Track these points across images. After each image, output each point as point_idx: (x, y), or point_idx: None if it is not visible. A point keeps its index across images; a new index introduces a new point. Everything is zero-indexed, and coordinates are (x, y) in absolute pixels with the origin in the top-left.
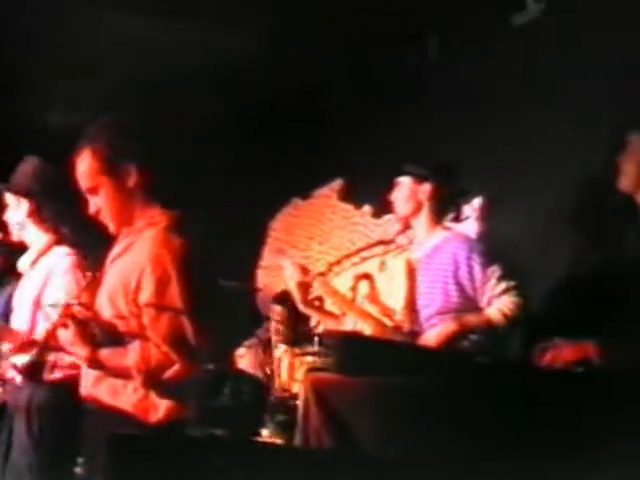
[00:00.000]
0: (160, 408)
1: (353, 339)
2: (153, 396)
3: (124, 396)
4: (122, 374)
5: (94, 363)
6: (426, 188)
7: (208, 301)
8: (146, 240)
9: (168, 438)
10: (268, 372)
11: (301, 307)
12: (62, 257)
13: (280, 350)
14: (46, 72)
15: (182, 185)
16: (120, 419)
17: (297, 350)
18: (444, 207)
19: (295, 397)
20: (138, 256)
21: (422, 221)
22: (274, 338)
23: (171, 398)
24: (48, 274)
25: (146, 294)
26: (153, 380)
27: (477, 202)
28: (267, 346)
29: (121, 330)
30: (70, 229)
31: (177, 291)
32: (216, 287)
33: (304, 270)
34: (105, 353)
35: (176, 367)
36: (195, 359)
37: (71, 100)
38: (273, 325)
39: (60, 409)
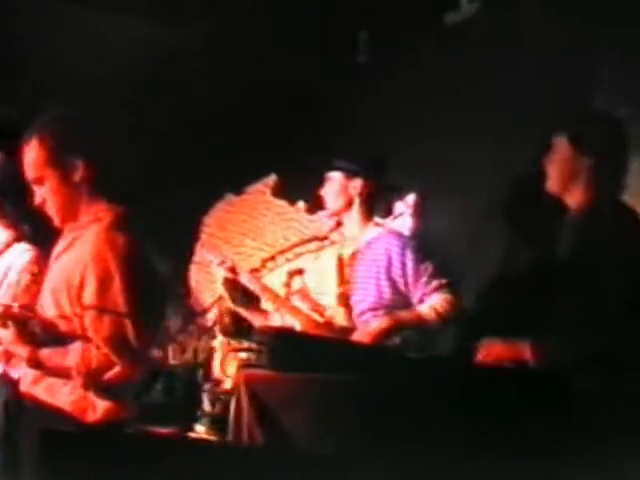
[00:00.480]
0: (98, 408)
1: (285, 335)
2: (92, 396)
3: (62, 395)
4: (62, 374)
5: (34, 363)
6: (357, 183)
7: (150, 301)
8: (89, 237)
9: (100, 435)
10: (202, 368)
11: (230, 304)
12: (21, 254)
13: (218, 343)
14: None
15: (127, 181)
16: (58, 418)
17: (232, 344)
18: (375, 203)
19: (229, 393)
20: (81, 253)
21: (353, 217)
22: (216, 329)
23: (110, 399)
24: (6, 271)
25: (88, 294)
26: (93, 381)
27: (410, 199)
28: (202, 340)
29: (63, 330)
30: (30, 226)
31: (119, 291)
32: (157, 286)
33: (232, 268)
34: (45, 353)
35: (116, 369)
36: (136, 361)
37: (25, 95)
38: (216, 315)
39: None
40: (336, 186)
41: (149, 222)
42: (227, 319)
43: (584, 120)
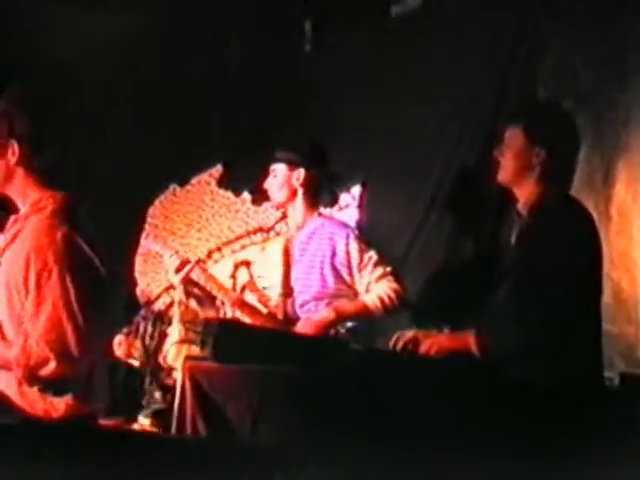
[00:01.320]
0: (57, 405)
1: (229, 327)
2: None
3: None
4: (4, 366)
5: None
6: (299, 174)
7: (91, 296)
8: (30, 228)
9: (39, 428)
10: (147, 360)
11: (181, 296)
12: None
13: (174, 330)
14: None
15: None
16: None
17: (180, 335)
18: (319, 193)
19: (173, 385)
20: (23, 247)
21: (298, 207)
22: (171, 315)
23: (56, 394)
24: None
25: (30, 288)
26: (32, 376)
27: (356, 190)
28: (155, 328)
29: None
30: None
31: (58, 286)
32: (99, 279)
33: (183, 260)
34: None
35: (51, 365)
36: (73, 359)
37: None
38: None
39: None
40: (280, 178)
41: (92, 212)
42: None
43: (537, 110)
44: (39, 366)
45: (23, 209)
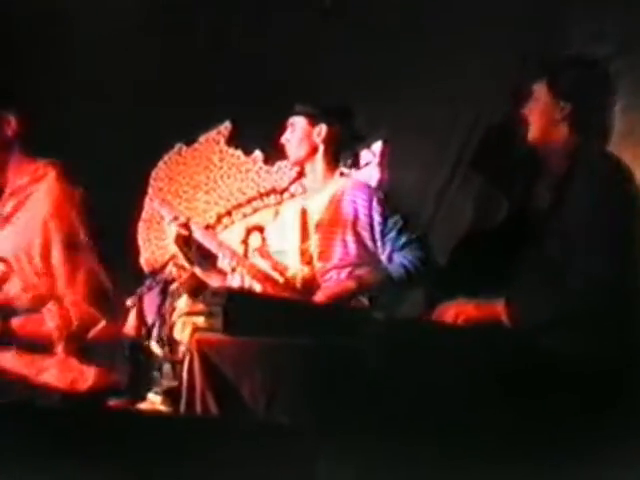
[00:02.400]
0: (88, 375)
1: (240, 297)
2: (77, 364)
3: (46, 370)
4: (41, 342)
5: (6, 335)
6: (321, 130)
7: (115, 252)
8: (41, 195)
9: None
10: (152, 333)
11: (185, 264)
12: None
13: (182, 304)
14: None
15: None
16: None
17: (186, 308)
18: (341, 151)
19: (182, 360)
20: (35, 213)
21: (317, 166)
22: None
23: (97, 363)
24: None
25: (56, 252)
26: (76, 343)
27: (377, 147)
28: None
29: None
30: None
31: (88, 244)
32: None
33: (185, 224)
34: (17, 322)
35: (101, 325)
36: (117, 314)
37: None
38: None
39: None
40: (299, 132)
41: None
42: (185, 278)
43: (560, 62)
44: (86, 328)
45: (19, 182)
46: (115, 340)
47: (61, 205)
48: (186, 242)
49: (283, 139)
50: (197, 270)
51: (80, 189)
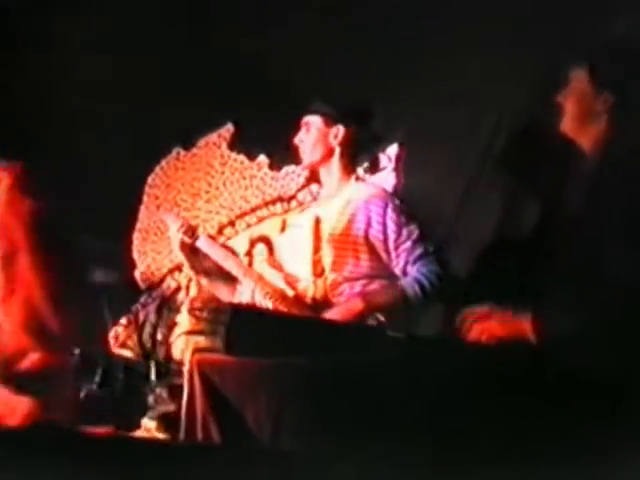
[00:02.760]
0: (18, 408)
1: (244, 314)
2: (9, 395)
3: None
4: None
5: None
6: (338, 131)
7: (68, 275)
8: None
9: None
10: (149, 354)
11: (190, 273)
12: None
13: (183, 319)
14: None
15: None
16: None
17: (187, 326)
18: (358, 154)
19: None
20: None
21: (333, 171)
22: (180, 301)
23: (30, 394)
24: None
25: None
26: (8, 372)
27: (392, 150)
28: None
29: None
30: None
31: (28, 265)
32: (77, 259)
33: (191, 228)
34: None
35: (33, 356)
36: (56, 346)
37: None
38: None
39: None
40: (314, 133)
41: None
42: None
43: (605, 48)
44: (18, 357)
45: None
46: (53, 371)
47: (3, 218)
48: (192, 250)
49: (297, 140)
50: (203, 281)
51: (29, 201)
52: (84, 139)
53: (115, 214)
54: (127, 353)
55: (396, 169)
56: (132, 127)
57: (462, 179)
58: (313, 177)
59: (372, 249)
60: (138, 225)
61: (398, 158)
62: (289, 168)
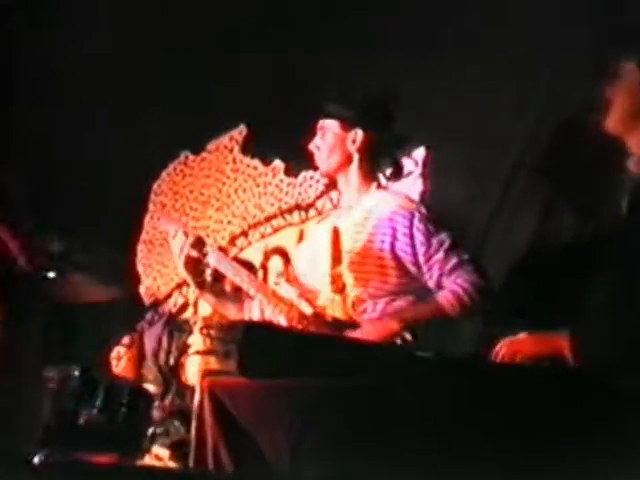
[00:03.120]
0: None
1: (259, 332)
2: None
3: None
4: None
5: None
6: (357, 135)
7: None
8: None
9: None
10: (159, 374)
11: (195, 289)
12: None
13: (191, 342)
14: None
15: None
16: None
17: (199, 347)
18: (380, 160)
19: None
20: None
21: (351, 179)
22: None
23: None
24: None
25: None
26: None
27: (418, 154)
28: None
29: None
30: None
31: None
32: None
33: (198, 241)
34: None
35: None
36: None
37: None
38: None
39: None
40: (330, 139)
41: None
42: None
43: None
44: None
45: None
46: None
47: None
48: (197, 264)
49: (312, 146)
50: (209, 298)
51: None
52: (89, 142)
53: (118, 224)
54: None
55: (423, 174)
56: (138, 130)
57: (495, 185)
58: (334, 183)
59: (400, 264)
60: (143, 236)
61: (425, 162)
62: (307, 174)
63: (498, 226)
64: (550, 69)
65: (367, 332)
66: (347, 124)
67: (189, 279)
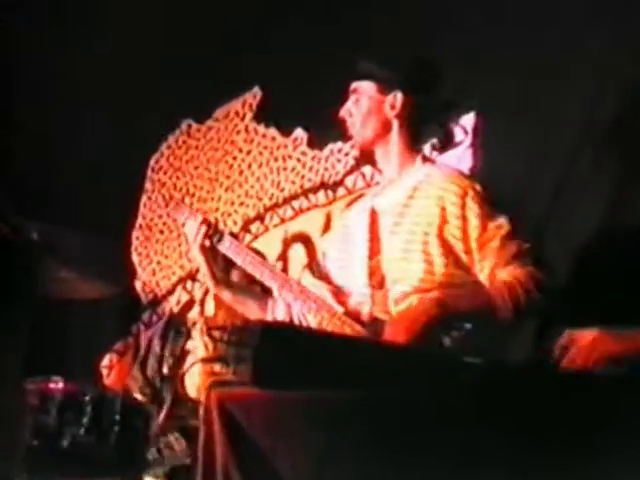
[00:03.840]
0: None
1: (278, 334)
2: None
3: None
4: None
5: None
6: (397, 99)
7: None
8: None
9: None
10: (155, 390)
11: (210, 285)
12: None
13: (198, 345)
14: None
15: None
16: None
17: (204, 352)
18: (425, 128)
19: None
20: None
21: (391, 150)
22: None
23: None
24: None
25: None
26: None
27: (469, 120)
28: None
29: None
30: None
31: None
32: None
33: (214, 227)
34: None
35: None
36: None
37: None
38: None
39: None
40: (365, 103)
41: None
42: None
43: None
44: None
45: None
46: None
47: None
48: (214, 254)
49: (343, 112)
50: (225, 294)
51: None
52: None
53: (110, 206)
54: (125, 389)
55: (473, 144)
56: (134, 96)
57: (556, 160)
58: (366, 157)
59: (449, 250)
60: (139, 221)
61: (475, 130)
62: (334, 146)
63: (560, 209)
64: (612, 36)
65: (397, 321)
66: (385, 86)
67: (204, 268)
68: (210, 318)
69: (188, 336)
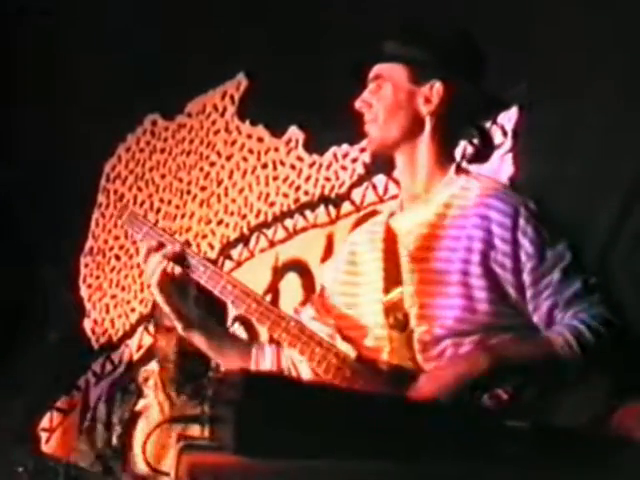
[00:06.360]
0: None
1: (267, 388)
2: None
3: None
4: None
5: None
6: (435, 91)
7: None
8: None
9: None
10: (111, 448)
11: (178, 327)
12: None
13: (151, 402)
14: None
15: None
16: None
17: (167, 411)
18: (464, 129)
19: None
20: None
21: (420, 155)
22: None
23: None
24: None
25: None
26: None
27: (510, 117)
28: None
29: None
30: None
31: None
32: None
33: (178, 254)
34: None
35: None
36: None
37: None
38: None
39: None
40: (390, 93)
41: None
42: (170, 355)
43: None
44: None
45: None
46: None
47: None
48: (179, 287)
49: (360, 103)
50: (198, 338)
51: None
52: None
53: (51, 225)
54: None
55: (514, 149)
56: (79, 85)
57: (623, 169)
58: (381, 163)
59: (494, 284)
60: (90, 243)
61: (516, 130)
62: (338, 149)
63: (629, 232)
64: None
65: (432, 376)
66: (419, 73)
67: (166, 308)
68: (164, 370)
69: (139, 395)
